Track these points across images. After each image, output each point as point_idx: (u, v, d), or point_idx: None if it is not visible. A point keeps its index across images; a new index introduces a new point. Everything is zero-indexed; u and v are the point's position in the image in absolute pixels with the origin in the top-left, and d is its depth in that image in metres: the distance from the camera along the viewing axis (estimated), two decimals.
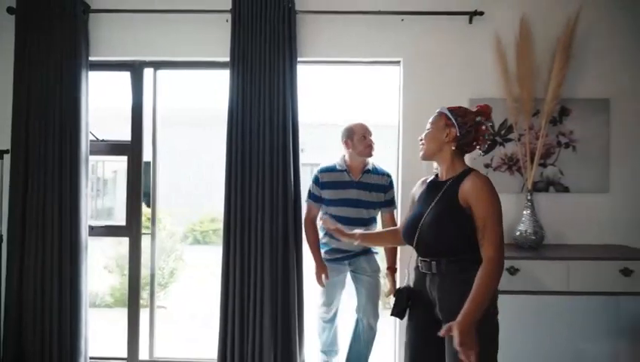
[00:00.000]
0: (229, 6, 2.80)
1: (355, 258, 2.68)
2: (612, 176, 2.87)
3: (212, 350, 2.86)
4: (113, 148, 3.06)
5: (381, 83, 3.04)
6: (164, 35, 2.92)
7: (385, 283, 2.84)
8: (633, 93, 2.87)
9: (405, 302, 1.77)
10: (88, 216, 2.88)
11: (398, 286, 1.91)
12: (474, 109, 1.76)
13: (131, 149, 3.01)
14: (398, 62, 2.94)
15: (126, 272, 5.43)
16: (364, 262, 2.69)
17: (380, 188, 2.65)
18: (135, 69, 3.00)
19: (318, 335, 2.85)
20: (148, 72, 3.02)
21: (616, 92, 2.86)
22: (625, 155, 2.86)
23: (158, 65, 3.02)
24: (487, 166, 2.86)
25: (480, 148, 1.79)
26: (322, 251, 2.69)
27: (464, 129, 1.71)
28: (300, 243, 2.80)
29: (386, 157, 3.06)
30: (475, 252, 1.58)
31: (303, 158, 2.92)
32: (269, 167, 2.74)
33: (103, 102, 3.45)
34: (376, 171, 2.69)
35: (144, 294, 5.42)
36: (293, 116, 2.78)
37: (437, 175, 1.83)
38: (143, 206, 3.19)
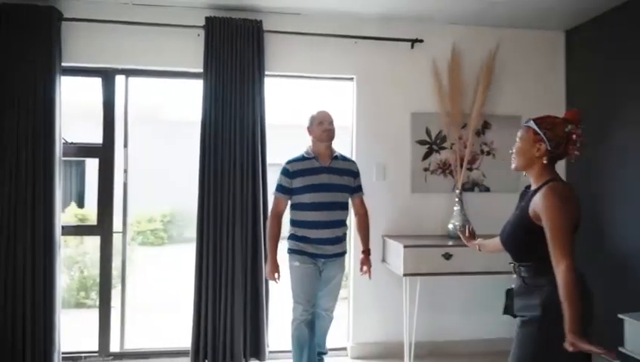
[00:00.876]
0: (201, 22, 3.06)
1: (330, 259, 2.67)
2: (523, 178, 3.50)
3: (178, 339, 3.11)
4: (85, 150, 3.19)
5: (337, 90, 3.42)
6: (136, 45, 3.10)
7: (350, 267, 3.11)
8: (539, 111, 3.50)
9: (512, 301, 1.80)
10: (61, 216, 2.99)
11: (507, 289, 1.86)
12: (562, 116, 1.72)
13: (103, 152, 3.16)
14: (352, 78, 3.37)
15: (73, 273, 5.41)
16: (338, 265, 2.73)
17: (349, 173, 2.71)
18: (107, 76, 3.16)
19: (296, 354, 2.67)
20: (120, 79, 3.18)
21: (526, 110, 3.49)
22: None
23: (129, 72, 3.19)
24: (425, 170, 3.38)
25: (573, 157, 1.69)
26: (299, 243, 2.65)
27: (554, 142, 1.64)
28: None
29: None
30: (541, 260, 1.58)
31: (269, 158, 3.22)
32: (239, 167, 3.05)
33: (89, 106, 3.54)
34: (343, 158, 2.78)
35: (92, 294, 5.45)
36: (261, 123, 3.12)
37: (529, 185, 1.82)
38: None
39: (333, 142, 2.71)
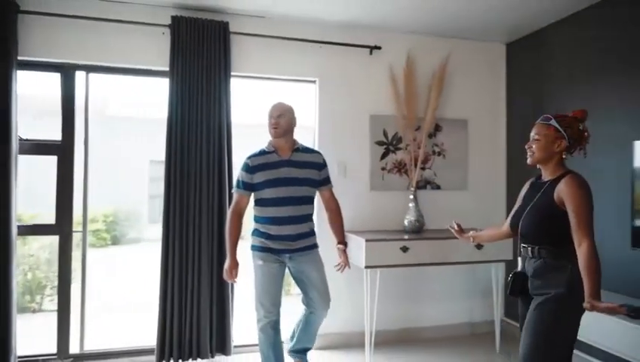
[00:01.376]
0: (166, 20, 3.07)
1: (296, 253, 2.57)
2: (469, 177, 3.83)
3: (140, 339, 3.12)
4: (42, 148, 3.09)
5: (301, 90, 3.56)
6: (98, 41, 3.06)
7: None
8: (483, 116, 3.87)
9: (521, 285, 1.96)
10: (17, 215, 2.89)
11: (514, 271, 2.03)
12: (571, 114, 1.92)
13: (62, 149, 3.08)
14: (315, 81, 3.52)
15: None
16: (308, 260, 2.60)
17: (312, 165, 2.61)
18: (65, 71, 3.08)
19: (263, 355, 2.63)
20: (80, 75, 3.12)
21: (472, 114, 3.83)
22: (477, 162, 3.85)
23: (90, 68, 3.13)
24: (383, 169, 3.60)
25: (583, 152, 1.91)
26: (261, 239, 2.58)
27: (572, 139, 1.86)
28: None
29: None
30: (563, 243, 1.79)
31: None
32: (206, 166, 3.09)
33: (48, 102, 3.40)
34: (306, 150, 2.67)
35: (38, 298, 5.20)
36: (227, 123, 3.18)
37: (539, 176, 2.01)
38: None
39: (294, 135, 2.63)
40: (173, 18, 3.06)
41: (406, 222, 3.47)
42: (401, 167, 3.64)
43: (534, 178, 2.05)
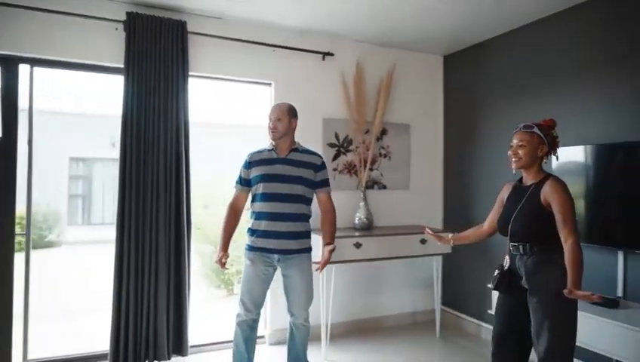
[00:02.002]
0: (120, 16, 3.00)
1: (286, 255, 2.56)
2: (411, 177, 4.14)
3: (84, 345, 3.05)
4: None
5: (257, 91, 3.64)
6: (44, 33, 2.90)
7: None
8: (424, 121, 4.20)
9: (508, 280, 2.15)
10: None
11: (501, 265, 2.21)
12: (543, 123, 2.10)
13: (2, 147, 2.89)
14: (270, 84, 3.61)
15: None
16: (292, 261, 2.58)
17: (308, 165, 2.61)
18: (6, 64, 2.89)
19: (234, 352, 2.67)
20: (24, 69, 2.94)
21: (414, 120, 4.14)
22: (418, 164, 4.17)
23: (35, 62, 2.97)
24: (334, 170, 3.77)
25: (555, 155, 2.13)
26: (252, 237, 2.59)
27: (550, 145, 2.08)
28: (189, 234, 3.20)
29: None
30: (551, 239, 1.98)
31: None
32: (163, 166, 3.06)
33: None
34: (305, 151, 2.68)
35: None
36: (185, 122, 3.17)
37: (520, 180, 2.20)
38: None
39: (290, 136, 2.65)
40: (129, 14, 3.00)
41: (356, 220, 3.68)
42: (351, 168, 3.85)
43: (516, 182, 2.22)
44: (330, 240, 2.70)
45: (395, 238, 3.49)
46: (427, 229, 2.59)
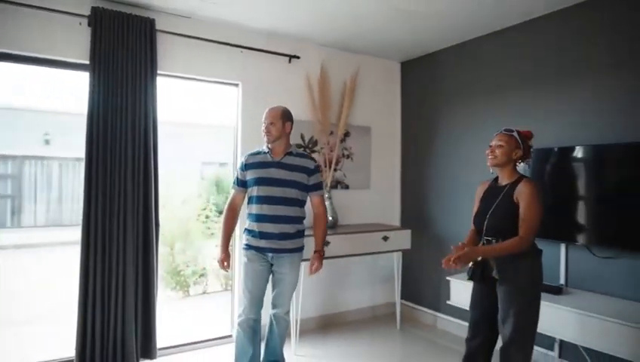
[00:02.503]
0: (84, 10, 2.91)
1: (280, 254, 2.66)
2: (372, 177, 4.33)
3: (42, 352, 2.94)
4: None
5: (223, 91, 3.66)
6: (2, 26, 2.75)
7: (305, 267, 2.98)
8: (382, 124, 4.40)
9: (482, 271, 2.28)
10: None
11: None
12: (523, 132, 2.32)
13: None
14: (237, 85, 3.63)
15: None
16: (284, 260, 2.68)
17: (302, 169, 2.68)
18: None
19: (234, 353, 2.73)
20: None
21: (375, 122, 4.33)
22: (378, 164, 4.37)
23: None
24: None
25: (527, 162, 2.35)
26: (248, 237, 2.68)
27: (525, 150, 2.29)
28: (157, 235, 3.15)
29: (226, 150, 3.71)
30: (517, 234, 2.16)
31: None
32: (131, 166, 3.00)
33: None
34: (299, 154, 2.75)
35: None
36: (153, 121, 3.12)
37: (496, 179, 2.38)
38: None
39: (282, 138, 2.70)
40: (95, 9, 2.90)
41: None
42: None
43: (492, 181, 2.41)
44: (320, 247, 2.80)
45: (361, 236, 3.65)
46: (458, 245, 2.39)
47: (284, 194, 2.64)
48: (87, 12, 2.92)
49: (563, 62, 3.11)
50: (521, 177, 2.29)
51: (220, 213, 6.55)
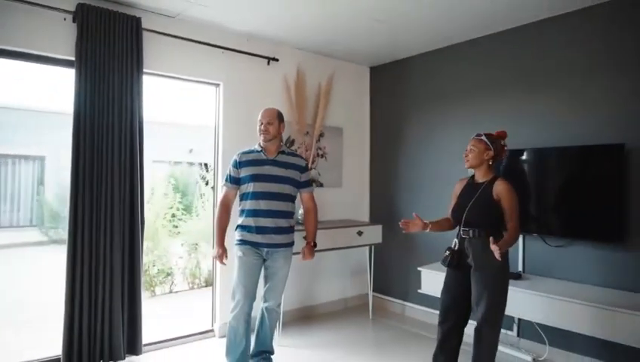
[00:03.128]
0: (68, 6, 2.89)
1: (273, 249, 2.78)
2: (344, 176, 4.55)
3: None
4: None
5: (204, 91, 3.73)
6: None
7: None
8: (353, 125, 4.64)
9: (458, 258, 2.57)
10: None
11: (451, 247, 2.63)
12: (495, 134, 2.57)
13: None
14: (219, 84, 3.71)
15: None
16: (278, 254, 2.81)
17: (295, 167, 2.85)
18: None
19: (226, 345, 2.80)
20: None
21: (346, 123, 4.56)
22: (349, 163, 4.59)
23: None
24: None
25: (502, 161, 2.67)
26: (243, 232, 2.76)
27: (496, 151, 2.53)
28: (142, 233, 3.18)
29: (207, 148, 3.78)
30: (496, 226, 2.48)
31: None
32: (117, 164, 3.01)
33: None
34: (291, 153, 2.92)
35: None
36: (139, 120, 3.14)
37: (472, 177, 2.65)
38: None
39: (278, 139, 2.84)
40: (82, 5, 2.89)
41: (300, 216, 3.95)
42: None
43: (469, 179, 2.67)
44: (312, 238, 3.00)
45: (338, 230, 3.86)
46: (414, 214, 2.73)
47: (279, 190, 2.78)
48: (72, 8, 2.90)
49: (520, 74, 3.48)
50: (496, 176, 2.56)
51: (186, 210, 6.54)
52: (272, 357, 3.00)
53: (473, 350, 2.56)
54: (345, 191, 4.55)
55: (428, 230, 2.67)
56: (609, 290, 2.91)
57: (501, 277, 2.51)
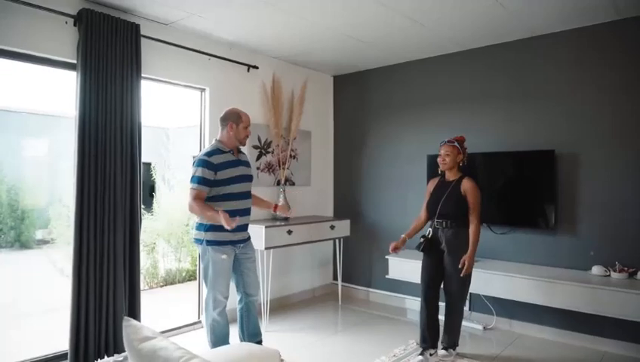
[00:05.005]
0: (70, 9, 2.97)
1: (246, 243, 2.95)
2: (312, 176, 4.94)
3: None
4: None
5: (187, 94, 3.89)
6: None
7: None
8: (320, 129, 5.05)
9: (430, 244, 3.05)
10: None
11: (425, 235, 3.12)
12: (458, 138, 3.09)
13: None
14: (205, 89, 3.92)
15: None
16: (249, 246, 2.98)
17: (249, 164, 3.03)
18: None
19: (213, 339, 2.88)
20: None
21: (314, 128, 4.95)
22: (316, 164, 5.00)
23: None
24: (257, 168, 4.29)
25: (464, 161, 3.10)
26: (223, 233, 2.74)
27: (465, 153, 3.08)
28: (139, 230, 3.32)
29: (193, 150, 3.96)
30: (464, 218, 2.97)
31: None
32: (120, 165, 3.13)
33: None
34: (242, 151, 3.05)
35: None
36: (138, 123, 3.28)
37: (443, 176, 3.13)
38: None
39: None
40: (86, 10, 2.97)
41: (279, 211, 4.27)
42: (270, 167, 4.42)
43: (440, 177, 3.19)
44: (271, 204, 3.32)
45: (314, 225, 4.24)
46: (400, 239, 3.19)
47: (249, 188, 2.95)
48: (73, 11, 2.98)
49: (469, 90, 4.13)
50: (463, 175, 3.09)
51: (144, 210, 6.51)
52: (262, 341, 3.12)
53: (445, 318, 3.15)
54: (313, 189, 4.94)
55: (405, 240, 3.17)
56: (543, 267, 3.62)
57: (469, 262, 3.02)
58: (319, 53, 4.34)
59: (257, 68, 4.24)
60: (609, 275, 3.30)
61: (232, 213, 2.70)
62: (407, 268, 4.03)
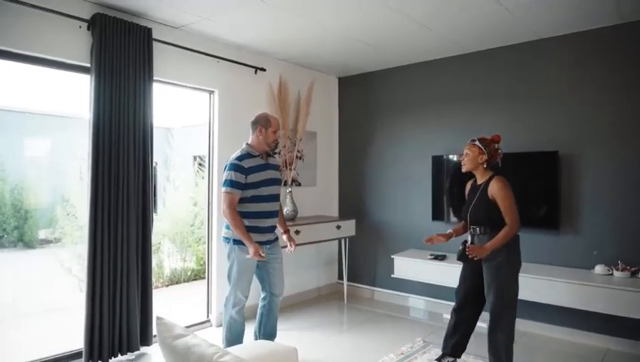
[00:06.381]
0: (83, 14, 3.02)
1: (273, 243, 3.02)
2: (317, 176, 5.00)
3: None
4: None
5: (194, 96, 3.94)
6: None
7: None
8: (326, 130, 5.11)
9: (466, 252, 2.65)
10: None
11: (465, 241, 2.80)
12: (489, 138, 2.75)
13: None
14: (214, 91, 3.98)
15: None
16: (276, 247, 3.05)
17: (278, 168, 3.13)
18: None
19: (228, 336, 2.95)
20: None
21: (319, 128, 5.01)
22: (322, 165, 5.05)
23: None
24: None
25: (498, 162, 2.76)
26: (253, 233, 2.85)
27: (489, 154, 2.69)
28: (151, 229, 3.38)
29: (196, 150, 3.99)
30: (498, 223, 2.62)
31: None
32: (133, 167, 3.19)
33: None
34: (271, 155, 3.11)
35: None
36: (151, 126, 3.33)
37: (475, 180, 2.83)
38: None
39: None
40: (100, 15, 3.02)
41: (285, 211, 4.34)
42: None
43: (472, 181, 2.88)
44: (286, 226, 3.26)
45: (321, 225, 4.31)
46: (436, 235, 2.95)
47: (277, 191, 3.04)
48: (87, 16, 3.03)
49: (472, 91, 4.20)
50: (492, 176, 2.72)
51: None
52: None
53: (488, 336, 2.80)
54: (318, 189, 5.00)
55: (453, 238, 2.95)
56: (547, 266, 3.69)
57: (507, 268, 2.66)
58: (326, 56, 4.40)
59: (265, 70, 4.29)
60: (612, 274, 3.37)
61: (263, 215, 2.89)
62: (412, 267, 4.10)
